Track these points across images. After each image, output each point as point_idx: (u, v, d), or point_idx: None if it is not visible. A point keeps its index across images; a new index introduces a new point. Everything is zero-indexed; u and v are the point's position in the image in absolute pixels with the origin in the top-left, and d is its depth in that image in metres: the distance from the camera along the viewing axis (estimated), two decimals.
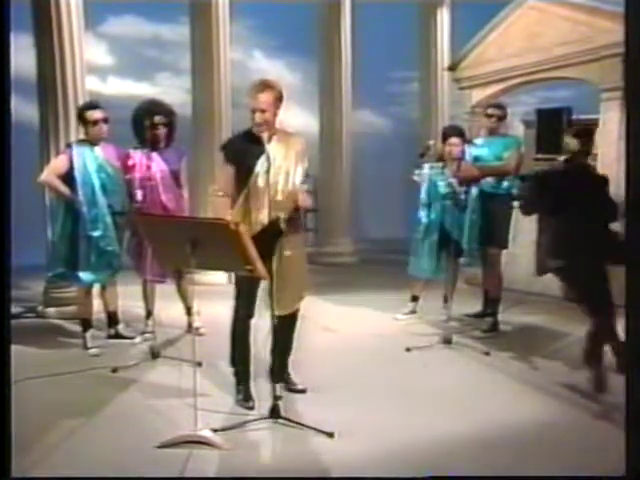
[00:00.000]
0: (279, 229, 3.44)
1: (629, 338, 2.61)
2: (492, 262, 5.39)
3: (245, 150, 3.52)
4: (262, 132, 3.46)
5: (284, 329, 3.63)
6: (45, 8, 5.51)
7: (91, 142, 4.64)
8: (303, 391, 3.81)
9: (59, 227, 4.60)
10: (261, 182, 3.44)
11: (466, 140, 5.30)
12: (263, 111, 3.47)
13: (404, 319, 5.57)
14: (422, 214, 5.37)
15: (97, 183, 4.58)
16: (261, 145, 3.42)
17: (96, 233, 4.53)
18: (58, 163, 4.68)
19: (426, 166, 5.41)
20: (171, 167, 4.85)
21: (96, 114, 4.60)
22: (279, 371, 3.68)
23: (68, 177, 4.56)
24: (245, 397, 3.65)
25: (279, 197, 3.47)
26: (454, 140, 5.27)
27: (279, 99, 3.52)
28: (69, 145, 4.77)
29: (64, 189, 4.55)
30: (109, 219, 4.59)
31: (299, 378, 3.88)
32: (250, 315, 3.63)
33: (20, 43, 5.16)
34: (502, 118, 5.44)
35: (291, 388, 3.81)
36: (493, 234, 5.22)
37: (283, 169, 3.50)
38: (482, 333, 5.15)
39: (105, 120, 4.63)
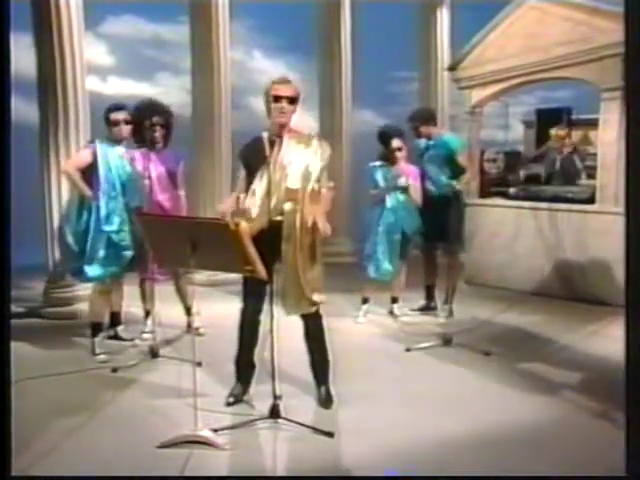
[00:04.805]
0: (281, 230, 3.44)
1: (629, 338, 2.61)
2: (450, 257, 5.57)
3: (255, 154, 3.51)
4: (278, 127, 3.47)
5: (310, 334, 3.65)
6: (45, 8, 5.51)
7: (113, 141, 4.65)
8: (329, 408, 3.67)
9: (74, 223, 4.57)
10: (265, 184, 3.42)
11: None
12: (289, 99, 3.45)
13: (363, 322, 5.59)
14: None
15: (118, 180, 4.58)
16: (271, 147, 3.44)
17: (110, 227, 4.50)
18: (80, 156, 4.72)
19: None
20: (168, 168, 4.87)
21: (115, 115, 4.63)
22: (320, 384, 3.69)
23: (88, 172, 4.55)
24: (236, 398, 3.66)
25: (280, 200, 3.45)
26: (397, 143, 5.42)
27: (299, 95, 3.53)
28: (92, 141, 4.76)
29: (82, 184, 4.54)
30: (125, 215, 4.57)
31: (301, 378, 3.88)
32: (258, 314, 3.58)
33: (20, 43, 5.16)
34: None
35: (322, 404, 3.67)
36: (447, 231, 5.36)
37: (287, 173, 3.46)
38: (445, 319, 5.20)
39: (126, 121, 4.64)
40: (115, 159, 4.62)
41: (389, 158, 5.45)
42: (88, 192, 4.51)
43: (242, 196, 3.59)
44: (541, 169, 7.33)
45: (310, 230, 3.45)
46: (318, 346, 3.69)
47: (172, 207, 4.85)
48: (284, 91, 3.46)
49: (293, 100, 3.47)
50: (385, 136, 5.43)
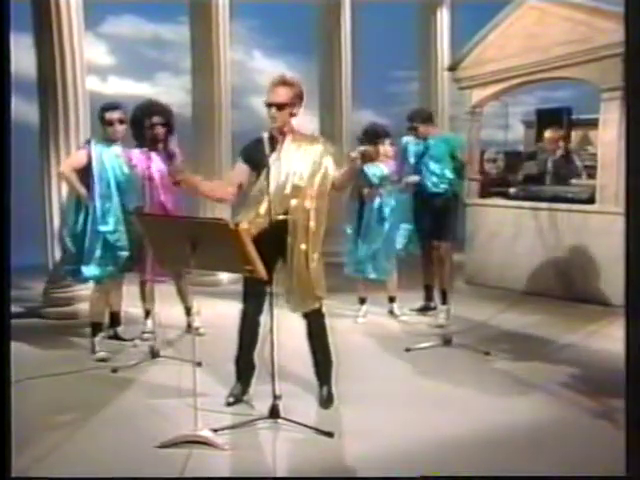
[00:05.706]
0: (286, 230, 3.44)
1: (629, 338, 2.61)
2: (442, 256, 5.56)
3: (257, 154, 3.48)
4: (277, 129, 3.46)
5: (313, 334, 3.65)
6: (45, 8, 5.51)
7: (108, 141, 4.65)
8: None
9: (71, 224, 4.60)
10: (266, 185, 3.41)
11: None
12: (279, 106, 3.42)
13: (363, 322, 5.58)
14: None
15: (113, 179, 4.59)
16: (272, 149, 3.42)
17: (105, 227, 4.52)
18: (77, 156, 4.74)
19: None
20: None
21: (109, 115, 4.62)
22: (323, 384, 3.69)
23: (85, 173, 4.56)
24: (236, 398, 3.66)
25: (285, 199, 3.45)
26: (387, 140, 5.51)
27: (298, 97, 3.49)
28: (88, 141, 4.78)
29: (78, 185, 4.55)
30: (121, 216, 4.58)
31: (301, 378, 3.88)
32: (258, 315, 3.58)
33: (20, 43, 5.16)
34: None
35: (322, 403, 3.67)
36: (441, 229, 5.44)
37: (291, 172, 3.47)
38: (445, 320, 5.14)
39: (120, 121, 4.64)
40: (111, 159, 4.62)
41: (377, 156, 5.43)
42: (84, 193, 4.52)
43: (231, 189, 3.61)
44: (534, 168, 7.34)
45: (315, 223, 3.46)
46: (321, 346, 3.69)
47: (173, 208, 4.86)
48: (273, 97, 3.43)
49: (283, 106, 3.43)
50: (376, 134, 5.43)
